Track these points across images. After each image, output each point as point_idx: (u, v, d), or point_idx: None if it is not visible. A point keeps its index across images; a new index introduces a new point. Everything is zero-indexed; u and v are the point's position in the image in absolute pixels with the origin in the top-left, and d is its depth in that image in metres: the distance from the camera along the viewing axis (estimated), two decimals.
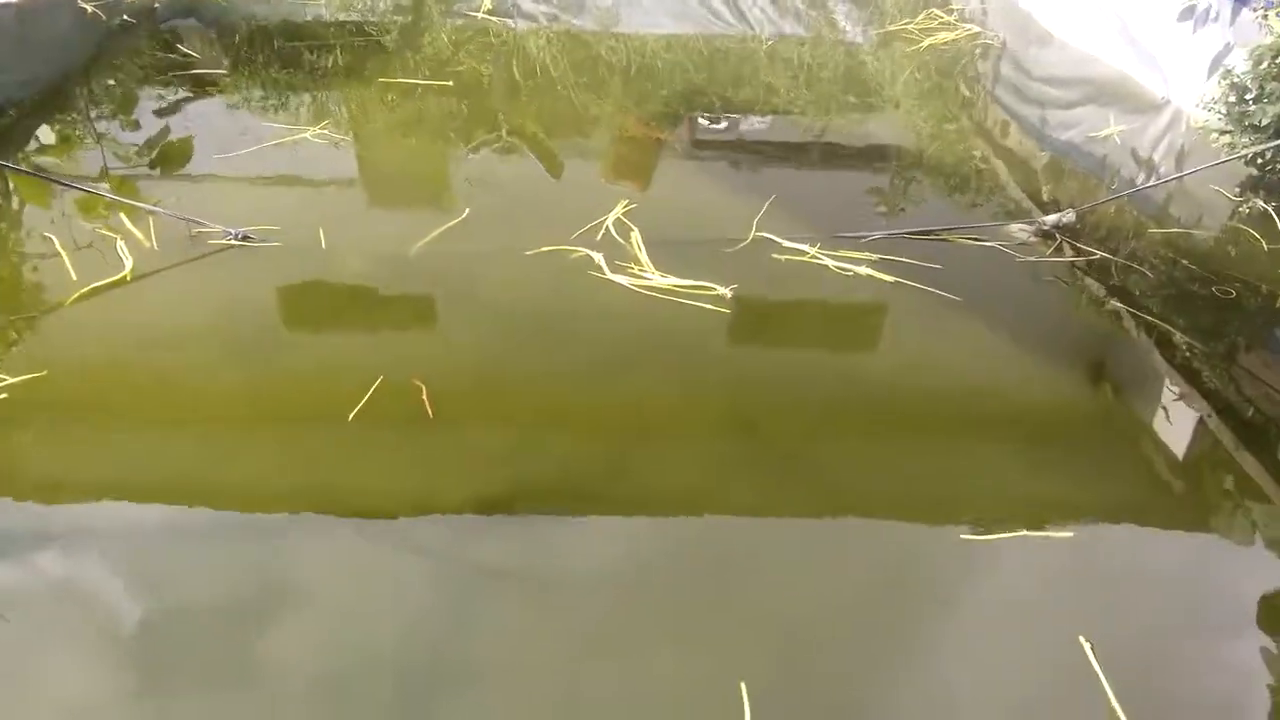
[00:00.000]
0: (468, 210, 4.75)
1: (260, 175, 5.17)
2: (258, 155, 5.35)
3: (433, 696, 2.50)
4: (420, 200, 5.16)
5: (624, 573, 2.91)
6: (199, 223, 4.39)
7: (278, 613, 2.72)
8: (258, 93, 6.35)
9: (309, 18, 7.71)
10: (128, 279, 4.12)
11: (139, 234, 4.39)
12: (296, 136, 5.59)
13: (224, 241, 4.35)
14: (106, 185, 4.98)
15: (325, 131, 5.67)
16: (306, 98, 6.29)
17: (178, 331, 3.84)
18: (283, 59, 6.92)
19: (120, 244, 4.31)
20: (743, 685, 2.49)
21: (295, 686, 2.52)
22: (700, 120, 6.51)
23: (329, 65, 6.86)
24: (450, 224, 4.61)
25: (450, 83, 6.55)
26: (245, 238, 4.32)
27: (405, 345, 3.92)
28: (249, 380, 3.64)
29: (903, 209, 5.27)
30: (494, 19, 7.76)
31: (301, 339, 3.97)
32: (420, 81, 6.52)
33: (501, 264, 4.35)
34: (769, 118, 6.59)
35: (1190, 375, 3.98)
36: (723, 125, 6.50)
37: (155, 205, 4.61)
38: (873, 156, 6.10)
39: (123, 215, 4.51)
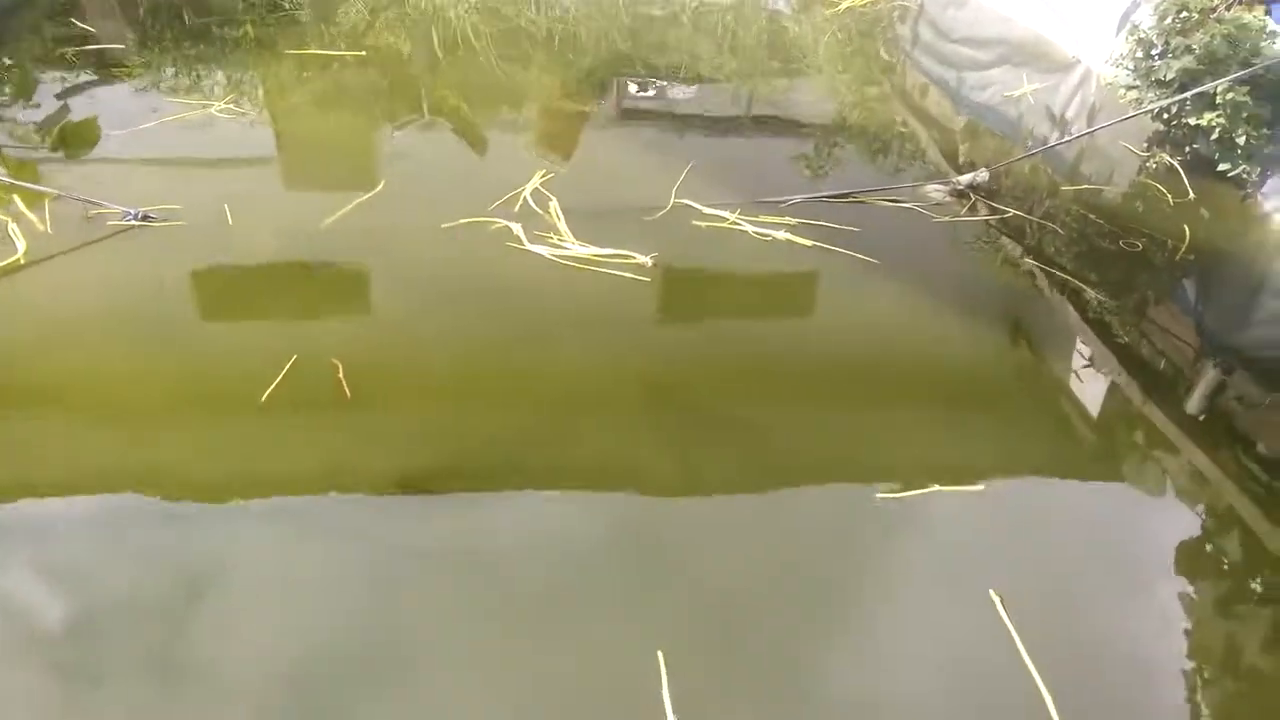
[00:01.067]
0: (383, 183, 4.65)
1: (165, 154, 4.99)
2: (163, 134, 5.17)
3: (359, 678, 2.46)
4: (334, 176, 5.03)
5: (547, 547, 2.89)
6: (96, 203, 4.22)
7: (197, 602, 2.65)
8: (164, 70, 6.13)
9: None
10: (20, 263, 3.96)
11: (33, 217, 4.22)
12: (203, 111, 5.41)
13: (123, 223, 4.19)
14: (3, 169, 4.77)
15: (233, 107, 5.49)
16: (216, 74, 6.09)
17: (76, 316, 3.70)
18: (191, 34, 6.69)
19: (11, 226, 4.14)
20: (660, 655, 2.50)
21: (218, 677, 2.46)
22: (628, 87, 6.45)
23: (239, 39, 6.64)
24: (364, 197, 4.51)
25: (364, 53, 6.39)
26: (146, 217, 4.17)
27: (318, 323, 3.83)
28: (153, 364, 3.51)
29: (825, 173, 5.29)
30: None
31: (208, 320, 3.85)
32: (332, 53, 6.35)
33: (418, 237, 4.28)
34: (694, 86, 6.55)
35: (1101, 330, 4.08)
36: (649, 93, 6.45)
37: (47, 186, 4.41)
38: (796, 123, 6.11)
39: (16, 198, 4.33)
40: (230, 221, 4.26)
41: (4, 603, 2.62)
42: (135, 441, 3.22)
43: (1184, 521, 3.24)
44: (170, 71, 6.08)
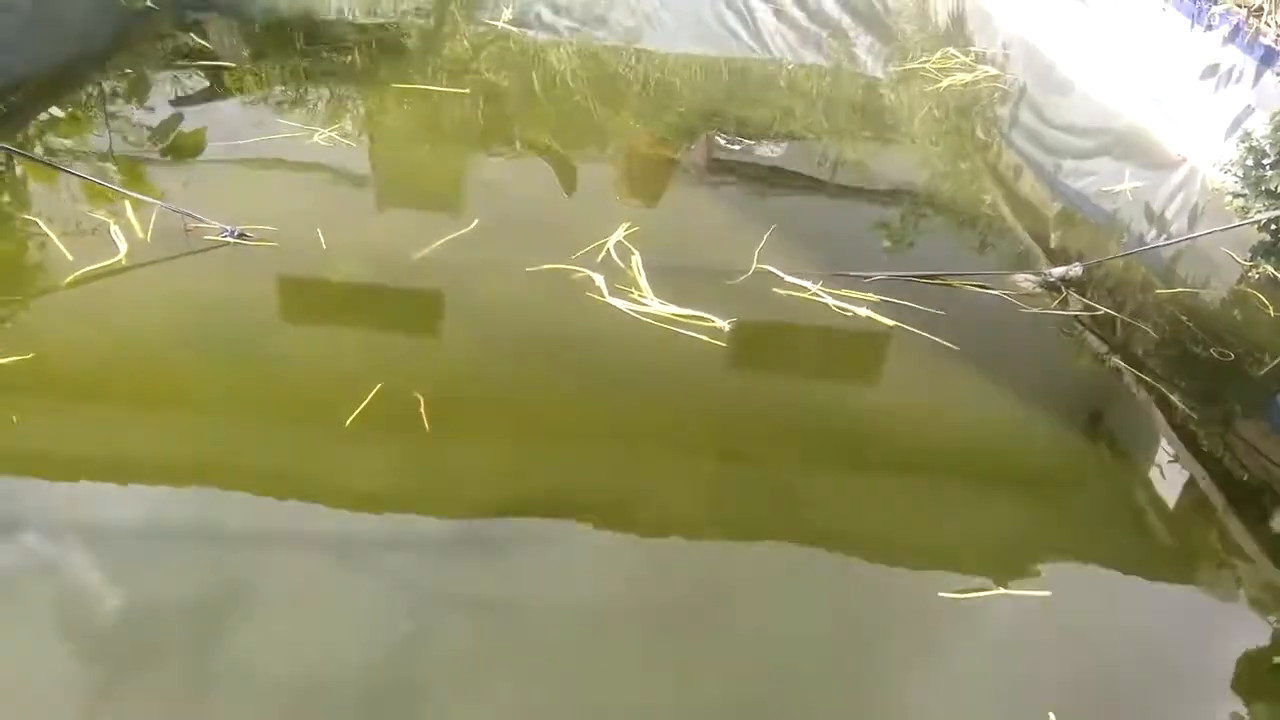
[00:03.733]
0: (476, 221, 4.72)
1: (266, 173, 5.15)
2: (266, 151, 5.33)
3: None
4: (428, 207, 5.13)
5: (599, 598, 2.91)
6: (196, 217, 4.35)
7: (244, 616, 2.70)
8: (274, 88, 6.34)
9: (331, 15, 7.70)
10: (121, 264, 4.11)
11: (136, 223, 4.37)
12: (306, 135, 5.57)
13: (220, 239, 4.31)
14: (115, 169, 4.97)
15: (336, 134, 5.64)
16: (323, 97, 6.28)
17: (166, 324, 3.82)
18: (302, 55, 6.91)
19: (114, 228, 4.29)
20: None
21: (250, 696, 2.49)
22: (717, 139, 6.48)
23: (347, 65, 6.84)
24: (456, 234, 4.58)
25: (467, 90, 6.53)
26: (242, 235, 4.29)
27: (400, 354, 3.89)
28: (236, 377, 3.61)
29: (909, 246, 5.24)
30: (515, 29, 7.75)
31: (295, 340, 3.94)
32: (436, 88, 6.50)
33: (503, 278, 4.32)
34: (785, 144, 6.56)
35: (1185, 437, 3.93)
36: (738, 147, 6.47)
37: (158, 198, 4.57)
38: (884, 191, 6.07)
39: (126, 204, 4.48)
40: (324, 245, 4.36)
41: (63, 586, 2.73)
42: (215, 449, 3.32)
43: (1257, 640, 3.10)
44: (279, 90, 6.29)
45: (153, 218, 4.40)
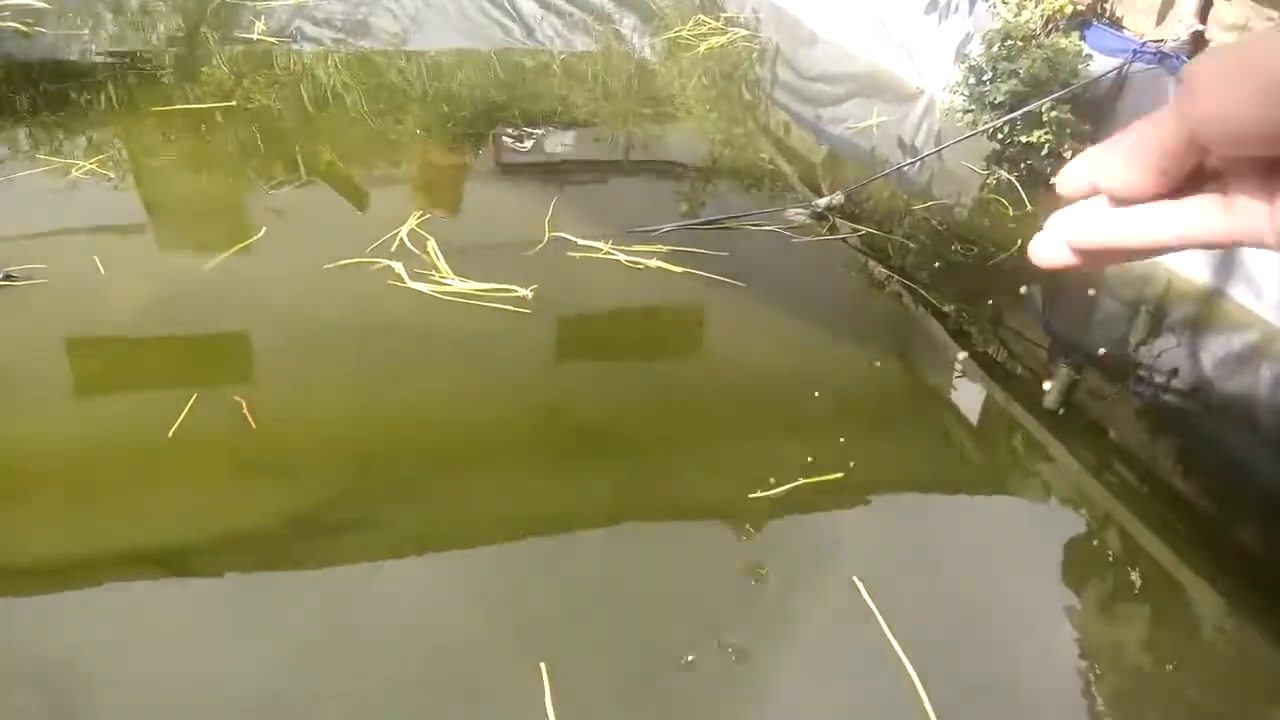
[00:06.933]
0: (264, 230, 4.66)
1: (28, 210, 4.88)
2: (18, 198, 5.04)
3: None
4: (209, 232, 4.98)
5: (428, 582, 2.98)
6: None
7: (85, 635, 2.62)
8: (21, 129, 5.98)
9: (74, 55, 7.31)
10: None
11: None
12: (63, 173, 5.30)
13: None
14: None
15: (97, 166, 5.40)
16: (79, 137, 5.97)
17: None
18: (47, 99, 6.55)
19: None
20: (542, 665, 2.57)
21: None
22: (504, 140, 6.59)
23: (102, 98, 6.53)
24: (246, 243, 4.51)
25: (233, 103, 6.37)
26: (8, 276, 4.08)
27: (207, 362, 3.84)
28: (40, 417, 3.45)
29: (699, 207, 5.53)
30: (275, 41, 7.58)
31: (93, 367, 3.79)
32: (200, 106, 6.31)
33: (301, 279, 4.30)
34: (572, 133, 6.74)
35: (955, 334, 4.38)
36: (527, 145, 6.60)
37: None
38: (669, 163, 6.35)
39: None
40: (102, 271, 4.20)
41: None
42: (35, 501, 3.15)
43: (1030, 493, 3.52)
44: (24, 134, 5.94)
45: None
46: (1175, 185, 0.48)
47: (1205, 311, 4.67)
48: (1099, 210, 0.50)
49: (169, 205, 5.29)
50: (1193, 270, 4.76)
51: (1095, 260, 0.51)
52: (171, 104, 6.38)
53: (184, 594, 2.85)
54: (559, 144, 6.60)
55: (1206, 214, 0.47)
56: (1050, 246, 0.52)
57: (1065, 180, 0.53)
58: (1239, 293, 4.60)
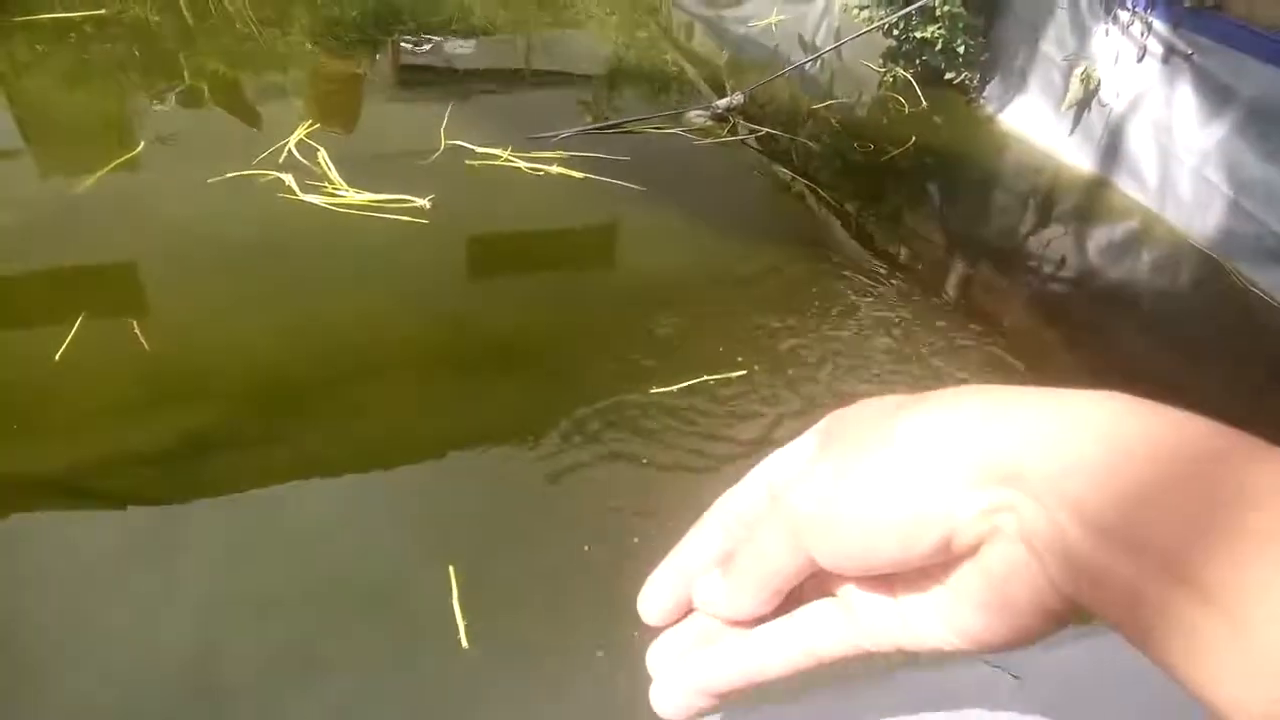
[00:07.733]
0: (142, 144, 4.46)
1: None
2: None
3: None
4: (85, 150, 4.75)
5: (329, 497, 2.96)
6: None
7: None
8: None
9: None
10: None
11: None
12: None
13: None
14: None
15: None
16: None
17: None
18: None
19: None
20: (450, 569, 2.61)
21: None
22: (402, 45, 6.37)
23: None
24: (122, 159, 4.31)
25: (103, 11, 6.00)
26: None
27: (89, 285, 3.68)
28: None
29: (602, 114, 5.46)
30: None
31: None
32: (68, 16, 5.93)
33: (185, 195, 4.13)
34: (473, 40, 6.55)
35: (855, 230, 4.45)
36: (426, 48, 6.39)
37: None
38: (571, 71, 6.23)
39: None
40: None
41: None
42: None
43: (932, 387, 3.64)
44: None
45: None
46: (787, 599, 0.44)
47: (1090, 201, 4.84)
48: (719, 649, 0.45)
49: (31, 121, 5.02)
50: (1079, 160, 4.91)
51: (729, 696, 0.45)
52: (35, 14, 5.99)
53: (92, 518, 2.79)
54: (456, 49, 6.42)
55: (830, 624, 0.43)
56: (677, 698, 0.46)
57: (650, 606, 0.49)
58: (1123, 182, 4.76)
